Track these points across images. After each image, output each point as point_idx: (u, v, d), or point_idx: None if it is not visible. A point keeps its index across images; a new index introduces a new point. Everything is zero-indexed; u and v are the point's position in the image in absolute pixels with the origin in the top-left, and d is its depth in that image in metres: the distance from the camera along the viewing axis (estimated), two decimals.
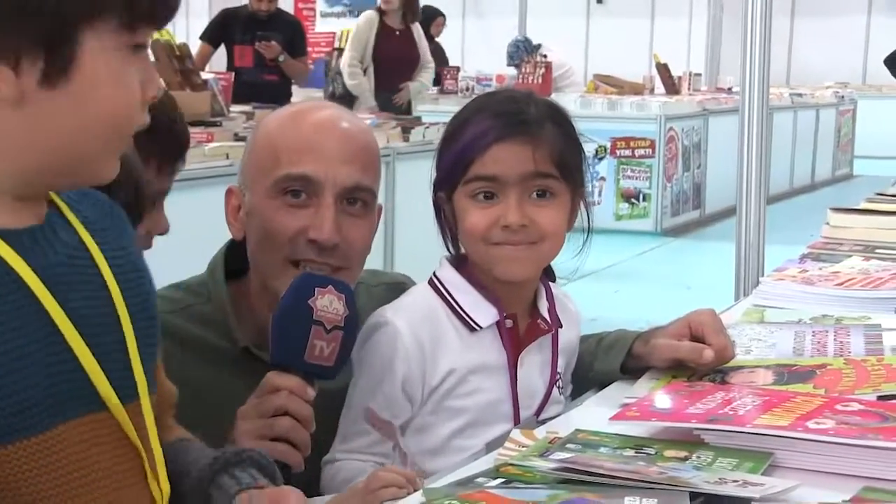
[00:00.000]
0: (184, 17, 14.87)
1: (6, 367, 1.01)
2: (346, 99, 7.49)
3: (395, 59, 7.62)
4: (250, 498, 1.22)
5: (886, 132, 12.41)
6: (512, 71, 10.48)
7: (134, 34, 1.05)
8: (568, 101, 8.82)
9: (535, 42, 10.78)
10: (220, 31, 7.58)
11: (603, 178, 8.89)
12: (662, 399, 1.54)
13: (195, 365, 1.68)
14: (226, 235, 1.75)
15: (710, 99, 10.30)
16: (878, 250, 2.50)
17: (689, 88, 11.00)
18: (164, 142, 1.55)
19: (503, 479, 1.30)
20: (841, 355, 1.76)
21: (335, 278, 1.55)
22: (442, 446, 1.62)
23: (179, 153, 1.58)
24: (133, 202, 1.33)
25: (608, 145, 8.90)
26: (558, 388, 1.71)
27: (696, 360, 1.66)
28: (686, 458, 1.33)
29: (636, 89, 10.45)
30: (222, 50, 7.61)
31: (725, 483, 1.23)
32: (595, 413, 1.57)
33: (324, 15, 12.73)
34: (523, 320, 1.68)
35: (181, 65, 5.88)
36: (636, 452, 1.37)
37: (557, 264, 1.74)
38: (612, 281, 6.92)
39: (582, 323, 1.81)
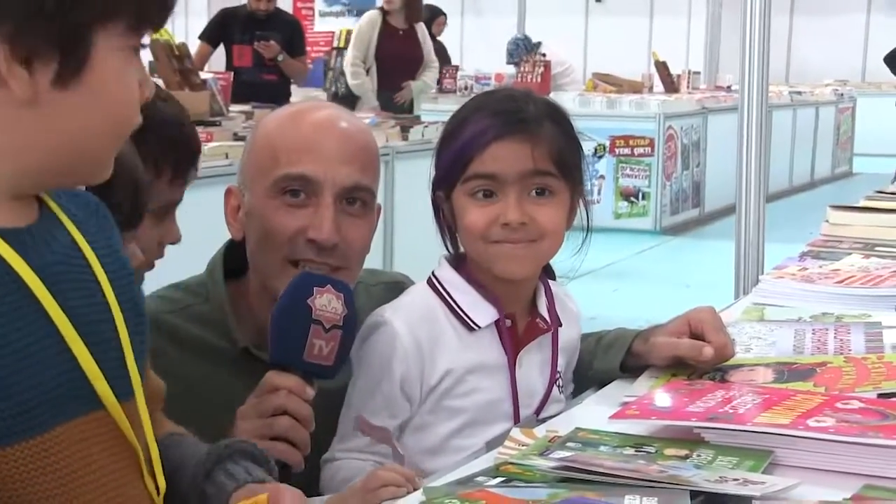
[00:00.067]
0: (183, 17, 14.89)
1: (9, 369, 1.01)
2: (349, 99, 7.48)
3: (398, 59, 7.60)
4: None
5: (886, 130, 12.40)
6: (511, 69, 10.48)
7: (138, 36, 1.06)
8: (567, 99, 8.83)
9: (534, 40, 10.78)
10: (219, 30, 7.58)
11: (602, 177, 8.89)
12: (662, 397, 1.54)
13: (194, 365, 1.68)
14: (225, 235, 1.75)
15: (709, 97, 10.30)
16: (877, 248, 2.50)
17: (688, 87, 11.01)
18: (178, 152, 1.55)
19: (503, 478, 1.29)
20: (841, 353, 1.76)
21: (334, 277, 1.55)
22: (441, 446, 1.62)
23: (193, 162, 1.59)
24: (132, 203, 1.33)
25: (607, 144, 8.90)
26: (558, 387, 1.71)
27: (696, 357, 1.66)
28: (686, 457, 1.33)
29: (635, 88, 10.46)
30: (221, 49, 7.61)
31: (726, 481, 1.23)
32: (595, 411, 1.57)
33: (322, 14, 12.74)
34: (522, 319, 1.68)
35: (180, 64, 5.88)
36: (636, 451, 1.37)
37: (557, 263, 1.74)
38: (611, 279, 6.92)
39: (582, 321, 1.81)
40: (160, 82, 5.13)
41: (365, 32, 7.61)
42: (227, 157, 4.30)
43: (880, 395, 1.52)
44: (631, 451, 1.37)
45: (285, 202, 1.65)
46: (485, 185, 1.61)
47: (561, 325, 1.72)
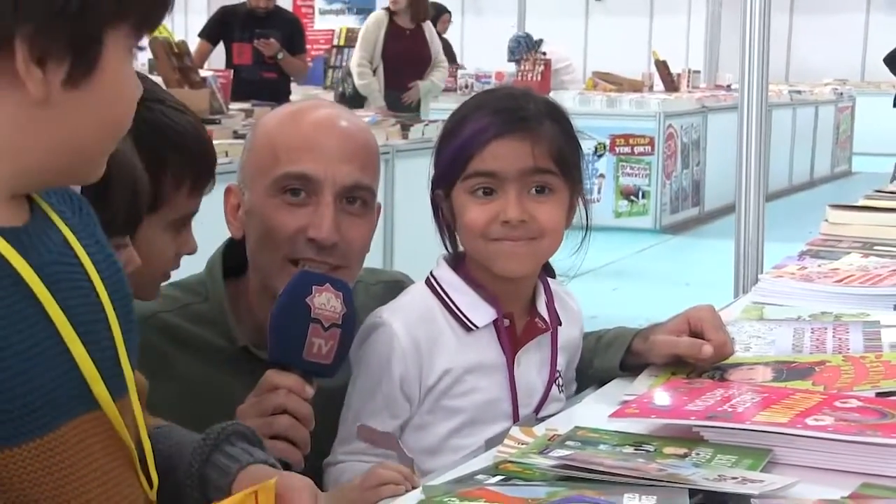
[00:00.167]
0: (182, 15, 14.88)
1: (13, 370, 1.01)
2: (357, 100, 7.46)
3: (405, 59, 7.55)
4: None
5: (885, 129, 12.39)
6: (512, 68, 10.48)
7: (140, 37, 1.07)
8: (567, 98, 8.85)
9: (535, 38, 10.79)
10: (219, 28, 7.58)
11: (602, 176, 8.89)
12: (662, 396, 1.54)
13: (193, 364, 1.68)
14: (224, 234, 1.75)
15: (709, 96, 10.30)
16: (876, 247, 2.50)
17: (688, 86, 11.01)
18: (197, 164, 1.56)
19: (502, 477, 1.30)
20: (840, 352, 1.76)
21: (333, 276, 1.55)
22: (440, 445, 1.62)
23: (211, 174, 1.60)
24: (129, 204, 1.33)
25: (607, 143, 8.90)
26: (558, 386, 1.71)
27: (695, 355, 1.66)
28: (685, 455, 1.33)
29: (635, 87, 10.46)
30: (221, 47, 7.60)
31: (724, 480, 1.23)
32: (594, 410, 1.57)
33: (322, 12, 12.73)
34: (521, 319, 1.68)
35: (180, 62, 5.88)
36: (635, 449, 1.37)
37: (557, 262, 1.74)
38: (611, 278, 6.92)
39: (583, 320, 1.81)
40: (160, 80, 5.13)
41: (371, 32, 7.58)
42: (226, 154, 4.29)
43: (878, 394, 1.52)
44: (630, 449, 1.37)
45: (285, 201, 1.65)
46: (485, 182, 1.61)
47: (560, 325, 1.72)
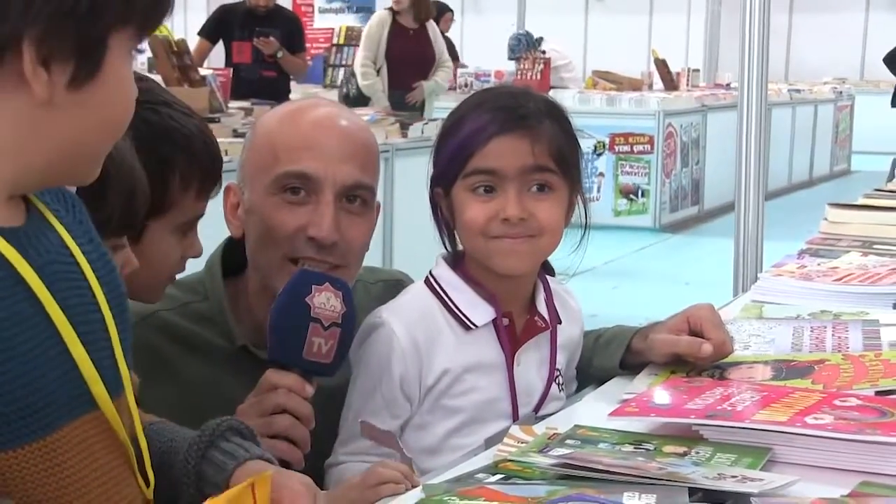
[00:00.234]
0: (182, 13, 14.87)
1: (15, 372, 1.01)
2: (361, 100, 7.45)
3: (409, 59, 7.54)
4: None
5: (884, 128, 12.38)
6: (511, 66, 10.48)
7: (141, 39, 1.08)
8: (567, 97, 8.85)
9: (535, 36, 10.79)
10: (219, 26, 7.57)
11: (601, 174, 8.89)
12: (661, 395, 1.54)
13: (192, 363, 1.68)
14: (224, 233, 1.75)
15: (708, 95, 10.30)
16: (875, 246, 2.50)
17: (687, 84, 11.01)
18: (204, 168, 1.56)
19: (502, 475, 1.30)
20: (839, 351, 1.76)
21: (332, 275, 1.55)
22: (439, 445, 1.62)
23: (218, 177, 1.60)
24: (126, 205, 1.33)
25: (607, 141, 8.90)
26: (558, 384, 1.71)
27: (695, 354, 1.66)
28: (685, 454, 1.33)
29: (635, 85, 10.46)
30: (220, 46, 7.60)
31: (724, 478, 1.23)
32: (594, 409, 1.57)
33: (322, 11, 12.70)
34: (520, 318, 1.68)
35: (179, 61, 5.88)
36: (635, 448, 1.37)
37: (556, 260, 1.74)
38: (610, 277, 6.92)
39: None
40: (159, 79, 5.12)
41: (375, 32, 7.57)
42: (226, 153, 4.27)
43: (878, 393, 1.52)
44: (630, 448, 1.37)
45: (285, 199, 1.65)
46: (485, 180, 1.61)
47: (560, 323, 1.72)
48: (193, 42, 7.16)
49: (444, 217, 1.68)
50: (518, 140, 1.60)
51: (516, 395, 1.65)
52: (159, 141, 1.49)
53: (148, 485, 1.17)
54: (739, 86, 2.90)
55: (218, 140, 1.64)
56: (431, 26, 7.74)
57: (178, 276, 1.77)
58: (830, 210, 2.74)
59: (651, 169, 8.90)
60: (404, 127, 5.77)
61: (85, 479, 1.08)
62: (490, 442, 1.49)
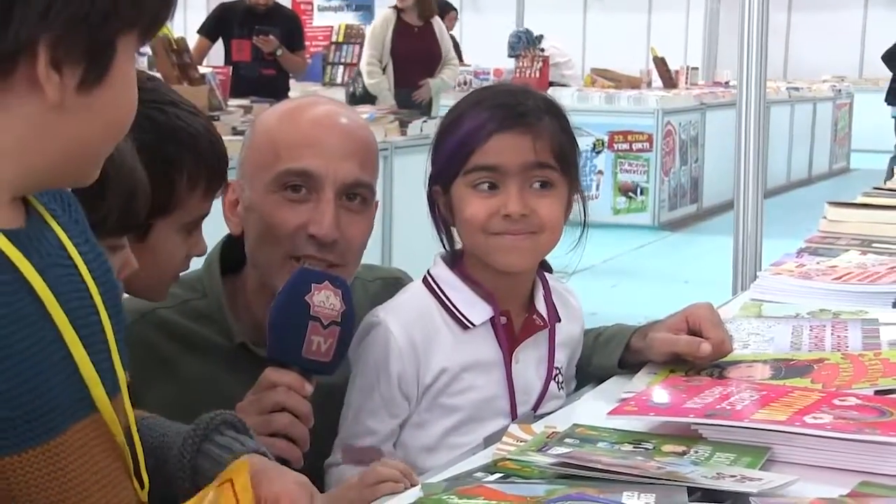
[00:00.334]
0: (181, 11, 14.86)
1: (20, 376, 1.01)
2: (367, 99, 7.42)
3: (414, 57, 7.50)
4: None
5: (883, 126, 12.40)
6: (511, 64, 10.48)
7: (145, 41, 1.08)
8: (565, 94, 8.85)
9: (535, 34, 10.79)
10: (218, 25, 7.57)
11: (600, 172, 8.89)
12: (660, 394, 1.54)
13: (191, 361, 1.68)
14: (223, 230, 1.75)
15: (707, 93, 10.30)
16: (875, 244, 2.50)
17: (686, 82, 11.01)
18: (211, 167, 1.56)
19: (501, 474, 1.30)
20: (838, 350, 1.76)
21: (332, 274, 1.55)
22: (437, 443, 1.62)
23: (224, 176, 1.60)
24: (126, 205, 1.33)
25: (605, 139, 8.90)
26: (557, 383, 1.71)
27: (694, 353, 1.66)
28: (684, 453, 1.33)
29: (633, 83, 10.46)
30: (220, 44, 7.59)
31: (723, 478, 1.23)
32: (593, 408, 1.57)
33: (321, 9, 12.69)
34: (519, 316, 1.68)
35: (179, 59, 5.87)
36: (634, 447, 1.37)
37: (555, 259, 1.74)
38: (609, 275, 6.92)
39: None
40: (159, 77, 5.12)
41: (379, 31, 7.55)
42: None
43: (877, 392, 1.52)
44: (629, 447, 1.37)
45: (286, 197, 1.65)
46: (487, 177, 1.61)
47: (559, 321, 1.72)
48: (193, 40, 7.15)
49: (442, 215, 1.68)
50: (519, 137, 1.60)
51: (514, 393, 1.65)
52: (166, 140, 1.49)
53: (142, 487, 1.17)
54: (738, 84, 2.90)
55: None
56: (437, 23, 7.70)
57: None
58: (829, 208, 2.74)
59: (650, 167, 8.91)
60: (403, 125, 5.77)
61: (86, 483, 1.08)
62: (489, 440, 1.49)
